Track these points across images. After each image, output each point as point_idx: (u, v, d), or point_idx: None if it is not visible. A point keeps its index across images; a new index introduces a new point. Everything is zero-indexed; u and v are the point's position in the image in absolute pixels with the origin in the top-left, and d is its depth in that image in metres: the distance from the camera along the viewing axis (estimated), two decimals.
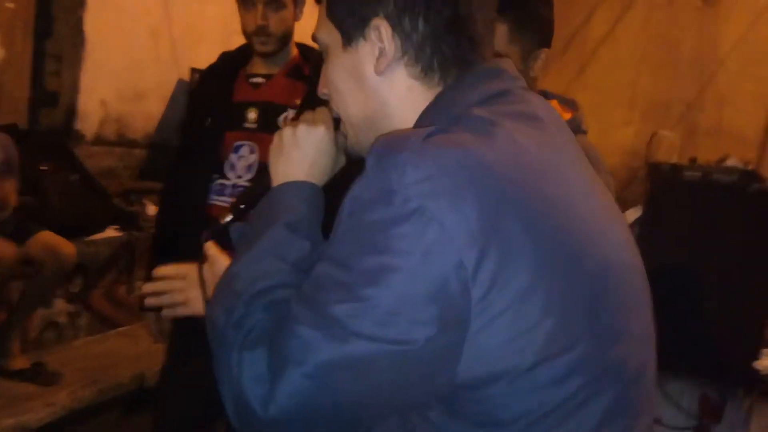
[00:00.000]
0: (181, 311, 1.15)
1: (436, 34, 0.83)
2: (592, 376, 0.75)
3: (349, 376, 0.70)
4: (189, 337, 2.06)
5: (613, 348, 0.77)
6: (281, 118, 1.98)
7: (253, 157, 1.97)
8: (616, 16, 6.05)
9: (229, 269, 0.84)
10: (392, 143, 0.75)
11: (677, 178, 3.03)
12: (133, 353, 3.19)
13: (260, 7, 1.89)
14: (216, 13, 4.60)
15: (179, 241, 2.01)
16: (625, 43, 6.01)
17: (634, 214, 3.14)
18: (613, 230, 0.84)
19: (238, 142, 1.97)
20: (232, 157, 1.97)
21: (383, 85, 0.85)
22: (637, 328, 0.82)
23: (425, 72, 0.84)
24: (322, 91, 0.92)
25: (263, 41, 1.93)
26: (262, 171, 1.04)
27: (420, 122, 0.83)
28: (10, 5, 3.54)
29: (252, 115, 1.99)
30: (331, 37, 0.87)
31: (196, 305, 1.10)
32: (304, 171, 0.91)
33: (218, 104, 2.01)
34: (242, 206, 1.03)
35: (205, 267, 1.02)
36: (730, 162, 3.98)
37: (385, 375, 0.70)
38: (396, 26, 0.83)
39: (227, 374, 0.75)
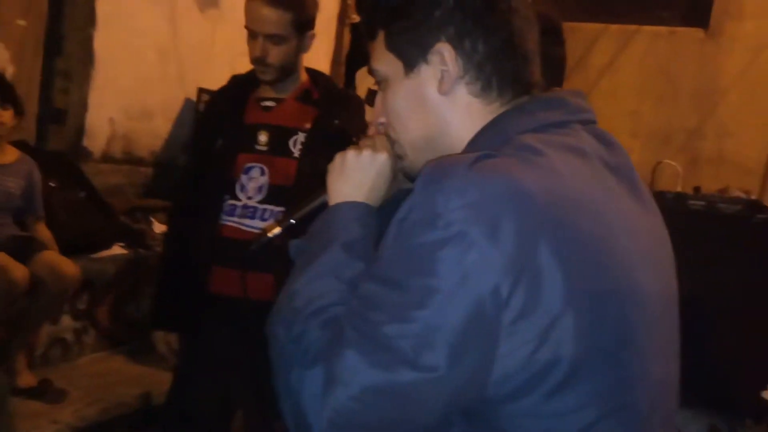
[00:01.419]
0: None
1: (495, 53, 0.87)
2: (610, 410, 0.78)
3: (390, 400, 0.74)
4: (197, 357, 2.09)
5: (635, 388, 0.80)
6: (291, 140, 2.02)
7: (263, 179, 2.00)
8: (617, 47, 6.13)
9: (289, 286, 0.88)
10: (440, 168, 0.78)
11: (682, 207, 3.06)
12: (139, 372, 3.19)
13: (261, 40, 1.94)
14: (223, 33, 4.66)
15: (189, 259, 2.04)
16: (627, 73, 6.08)
17: None
18: (654, 263, 0.86)
19: (249, 164, 2.00)
20: (243, 178, 2.00)
21: (445, 104, 0.90)
22: (661, 373, 0.84)
23: (484, 89, 0.89)
24: (380, 120, 0.96)
25: (262, 71, 1.98)
26: (314, 190, 1.07)
27: (473, 142, 0.88)
28: (22, 23, 3.58)
29: (263, 137, 2.02)
30: (392, 67, 0.92)
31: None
32: (364, 193, 0.95)
33: (230, 126, 2.04)
34: (292, 221, 1.07)
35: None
36: (732, 192, 4.01)
37: (423, 399, 0.75)
38: (458, 48, 0.87)
39: (287, 389, 0.80)
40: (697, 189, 3.94)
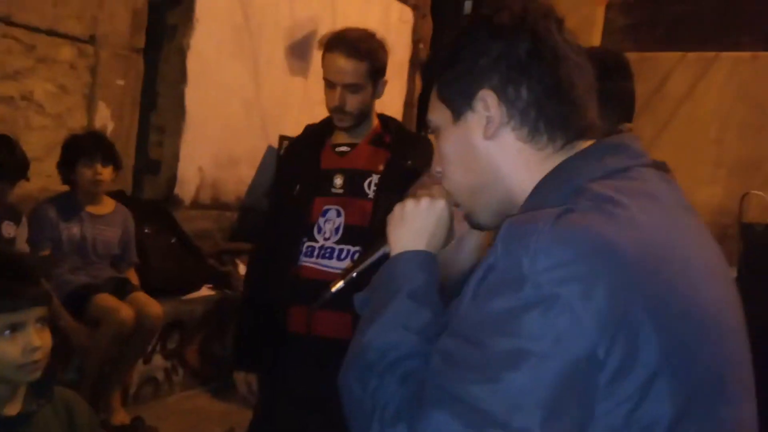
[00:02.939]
0: None
1: (539, 99, 0.89)
2: None
3: None
4: (275, 398, 2.12)
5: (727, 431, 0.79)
6: (366, 182, 2.09)
7: (340, 220, 2.06)
8: (696, 75, 5.97)
9: (358, 339, 0.89)
10: (521, 227, 0.77)
11: None
12: (225, 409, 3.29)
13: (339, 90, 2.02)
14: (301, 86, 4.87)
15: (268, 301, 2.11)
16: (708, 101, 5.90)
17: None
18: (731, 302, 0.85)
19: (326, 207, 2.07)
20: (320, 220, 2.06)
21: (494, 150, 0.91)
22: (748, 417, 0.83)
23: (532, 135, 0.89)
24: (437, 169, 0.98)
25: (340, 118, 2.06)
26: (372, 243, 1.09)
27: (538, 191, 0.88)
28: (120, 82, 3.87)
29: (338, 180, 2.09)
30: (442, 116, 0.95)
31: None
32: (424, 241, 0.97)
33: (307, 172, 2.12)
34: (354, 275, 1.08)
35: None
36: None
37: None
38: (501, 95, 0.89)
39: None
40: None
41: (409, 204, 0.99)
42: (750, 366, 0.85)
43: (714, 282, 0.84)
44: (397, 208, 1.00)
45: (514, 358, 0.72)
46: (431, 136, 1.02)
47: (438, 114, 0.96)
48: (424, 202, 0.99)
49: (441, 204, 0.99)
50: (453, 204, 0.99)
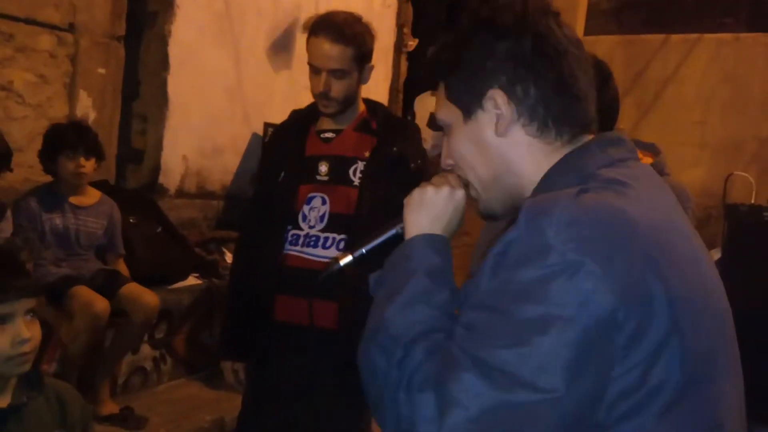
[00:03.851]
0: None
1: (546, 95, 0.94)
2: (707, 430, 0.82)
3: (508, 421, 0.77)
4: (264, 385, 2.13)
5: (725, 406, 0.84)
6: (351, 169, 2.08)
7: (325, 208, 2.05)
8: (679, 57, 5.99)
9: (378, 316, 0.92)
10: (544, 203, 0.83)
11: (756, 219, 2.97)
12: (214, 397, 3.29)
13: (324, 75, 2.00)
14: (285, 72, 4.85)
15: (254, 289, 2.10)
16: (691, 83, 5.93)
17: (714, 255, 3.09)
18: (719, 282, 0.91)
19: (311, 194, 2.06)
20: (305, 208, 2.06)
21: (505, 146, 0.97)
22: (738, 390, 0.88)
23: (541, 130, 0.95)
24: (446, 162, 1.04)
25: (325, 104, 2.05)
26: (386, 222, 1.12)
27: (548, 179, 0.94)
28: (102, 71, 3.82)
29: (323, 168, 2.08)
30: (453, 115, 1.00)
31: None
32: (441, 227, 1.01)
33: (291, 159, 2.11)
34: (364, 251, 1.11)
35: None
36: None
37: (540, 420, 0.77)
38: (510, 94, 0.95)
39: (395, 412, 0.83)
40: None
41: (430, 190, 1.03)
42: (736, 343, 0.90)
43: (705, 262, 0.91)
44: (417, 193, 1.04)
45: (543, 323, 0.76)
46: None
47: (447, 113, 1.01)
48: (446, 190, 1.03)
49: (461, 194, 1.03)
50: (470, 196, 1.04)
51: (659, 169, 1.40)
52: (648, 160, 1.44)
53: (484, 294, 0.82)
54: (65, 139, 3.05)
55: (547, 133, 0.95)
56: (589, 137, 0.96)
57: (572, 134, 0.95)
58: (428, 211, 1.02)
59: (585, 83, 0.96)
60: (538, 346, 0.76)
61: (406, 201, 1.05)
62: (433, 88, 1.04)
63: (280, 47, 4.91)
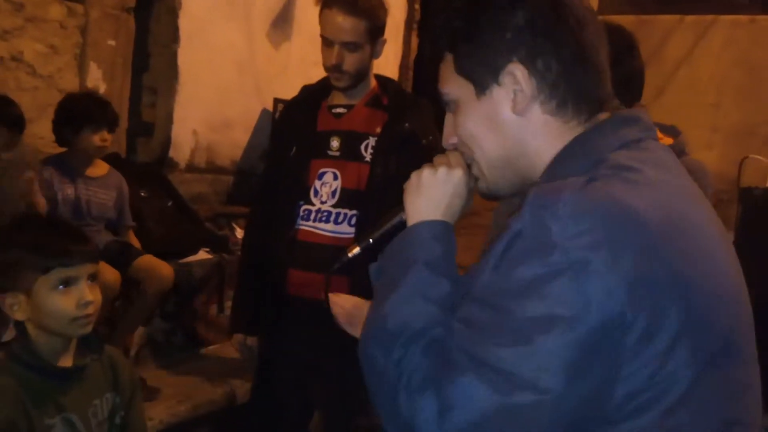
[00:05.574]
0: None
1: (568, 69, 0.87)
2: (722, 424, 0.80)
3: (509, 423, 0.75)
4: (276, 358, 2.15)
5: (741, 401, 0.82)
6: (363, 145, 2.07)
7: (336, 183, 2.06)
8: (694, 38, 5.92)
9: (377, 308, 0.89)
10: (549, 195, 0.78)
11: None
12: (224, 370, 3.31)
13: (337, 48, 1.99)
14: (296, 46, 4.81)
15: (266, 264, 2.13)
16: (705, 64, 5.86)
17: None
18: (737, 267, 0.88)
19: (322, 169, 2.07)
20: (317, 183, 2.06)
21: (521, 124, 0.90)
22: (755, 382, 0.86)
23: (559, 107, 0.89)
24: (449, 141, 0.97)
25: (337, 77, 2.03)
26: (390, 209, 1.09)
27: (558, 162, 0.88)
28: (112, 43, 3.80)
29: (335, 143, 2.08)
30: (462, 90, 0.92)
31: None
32: (441, 211, 0.96)
33: (303, 134, 2.11)
34: (371, 241, 1.10)
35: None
36: None
37: (541, 420, 0.75)
38: (531, 68, 0.87)
39: (395, 412, 0.81)
40: None
41: (426, 173, 0.98)
42: (753, 329, 0.87)
43: (722, 246, 0.87)
44: (414, 177, 0.99)
45: (545, 323, 0.74)
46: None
47: (455, 88, 0.93)
48: (441, 171, 0.97)
49: (458, 173, 0.97)
50: (473, 177, 0.98)
51: (679, 149, 1.36)
52: (668, 141, 1.41)
53: (485, 288, 0.80)
54: (90, 113, 3.05)
55: (564, 111, 0.88)
56: (605, 115, 0.90)
57: (589, 112, 0.89)
58: (426, 196, 0.96)
59: (604, 56, 0.90)
60: (539, 346, 0.74)
61: (405, 186, 1.00)
62: (437, 60, 0.95)
63: (291, 21, 4.87)
